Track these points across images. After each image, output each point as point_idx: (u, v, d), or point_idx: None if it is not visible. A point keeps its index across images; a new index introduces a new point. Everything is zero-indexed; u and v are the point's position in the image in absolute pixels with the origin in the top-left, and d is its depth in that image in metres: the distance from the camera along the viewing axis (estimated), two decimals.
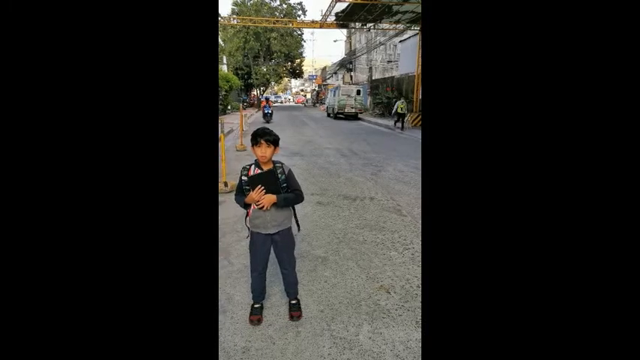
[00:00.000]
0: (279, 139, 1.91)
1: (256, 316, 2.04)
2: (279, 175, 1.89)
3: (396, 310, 2.16)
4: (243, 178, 1.89)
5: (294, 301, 2.12)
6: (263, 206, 1.83)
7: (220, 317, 2.06)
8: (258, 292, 2.08)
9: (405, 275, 2.57)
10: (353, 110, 17.82)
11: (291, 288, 2.12)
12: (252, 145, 1.87)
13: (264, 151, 1.84)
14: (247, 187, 1.86)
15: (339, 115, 18.03)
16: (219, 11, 17.64)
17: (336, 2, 12.78)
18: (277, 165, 1.92)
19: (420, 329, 1.96)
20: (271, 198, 1.83)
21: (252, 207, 1.90)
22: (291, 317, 2.05)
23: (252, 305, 2.09)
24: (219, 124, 4.75)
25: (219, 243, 3.03)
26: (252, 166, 1.91)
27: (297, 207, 2.10)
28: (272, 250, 2.03)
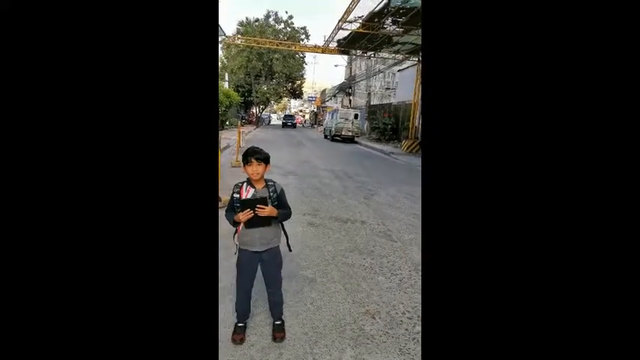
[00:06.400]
0: (269, 157, 1.94)
1: (239, 335, 2.01)
2: (271, 194, 1.92)
3: (380, 336, 2.15)
4: (235, 195, 1.91)
5: (278, 322, 2.10)
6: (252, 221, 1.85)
7: None
8: (243, 312, 2.07)
9: (392, 301, 2.56)
10: (350, 133, 18.06)
11: (276, 308, 2.11)
12: (244, 165, 1.90)
13: (255, 169, 1.87)
14: (238, 205, 1.88)
15: (335, 137, 18.23)
16: (225, 30, 17.99)
17: (338, 29, 13.20)
18: (269, 184, 1.95)
19: (402, 357, 1.95)
20: (273, 210, 1.86)
21: (241, 225, 1.92)
22: (275, 338, 2.03)
23: (236, 324, 2.07)
24: None
25: None
26: (245, 184, 1.94)
27: (288, 227, 2.11)
28: (259, 269, 2.03)
